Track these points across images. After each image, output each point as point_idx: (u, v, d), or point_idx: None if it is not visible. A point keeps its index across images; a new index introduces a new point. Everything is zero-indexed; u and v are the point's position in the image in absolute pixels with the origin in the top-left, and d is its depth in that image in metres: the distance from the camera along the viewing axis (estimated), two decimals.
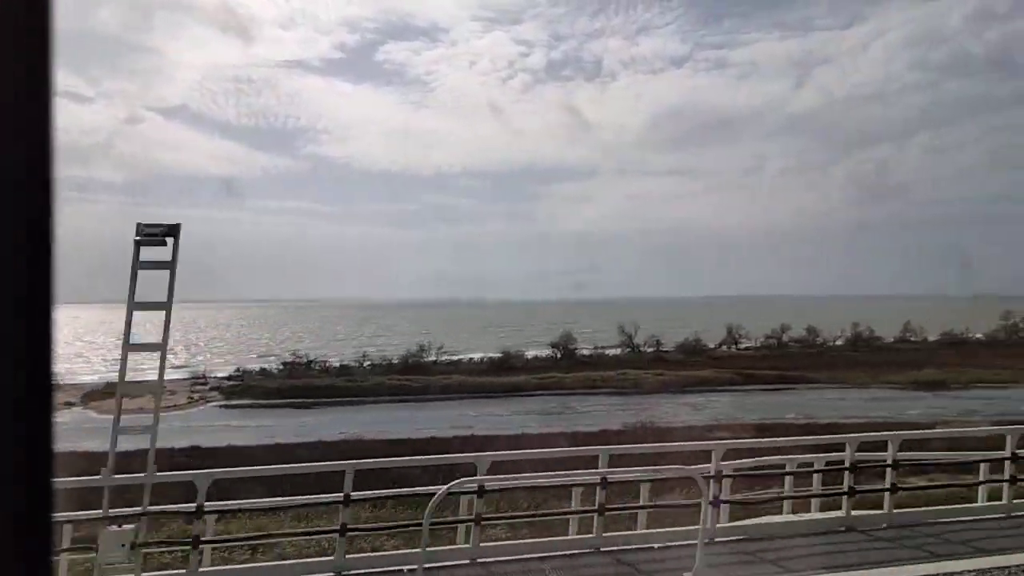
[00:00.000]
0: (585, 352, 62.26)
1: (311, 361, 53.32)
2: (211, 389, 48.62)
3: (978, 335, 73.41)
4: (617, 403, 41.75)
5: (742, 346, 68.81)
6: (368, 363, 54.11)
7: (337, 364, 53.30)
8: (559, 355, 60.96)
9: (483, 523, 7.61)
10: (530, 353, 61.22)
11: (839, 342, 68.98)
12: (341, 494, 7.22)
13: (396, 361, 53.72)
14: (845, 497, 8.61)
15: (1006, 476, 9.07)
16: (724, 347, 68.88)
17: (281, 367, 52.86)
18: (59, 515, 5.84)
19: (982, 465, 9.37)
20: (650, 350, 64.97)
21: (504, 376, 51.51)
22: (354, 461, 7.49)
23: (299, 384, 47.47)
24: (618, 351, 65.19)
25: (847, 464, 8.67)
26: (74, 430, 27.84)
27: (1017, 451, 9.08)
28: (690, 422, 32.83)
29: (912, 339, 72.81)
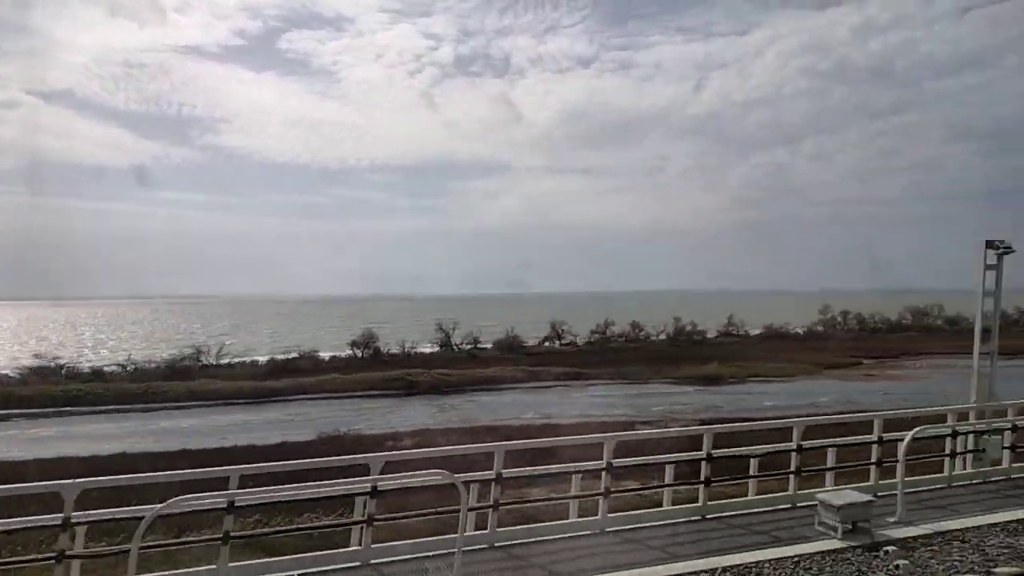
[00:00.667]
0: (395, 351, 59.19)
1: (61, 366, 47.45)
2: None
3: (797, 329, 76.02)
4: (348, 409, 38.69)
5: (565, 341, 67.96)
6: (132, 367, 48.82)
7: (88, 369, 47.73)
8: (360, 355, 57.65)
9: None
10: (328, 353, 57.57)
11: (662, 336, 69.36)
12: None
13: (161, 366, 48.65)
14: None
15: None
16: (547, 343, 67.80)
17: (25, 371, 46.73)
18: None
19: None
20: (468, 347, 62.87)
21: (285, 379, 47.62)
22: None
23: (28, 392, 41.86)
24: (435, 349, 62.74)
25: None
26: None
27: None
28: (399, 428, 30.31)
29: (735, 333, 74.45)
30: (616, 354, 60.82)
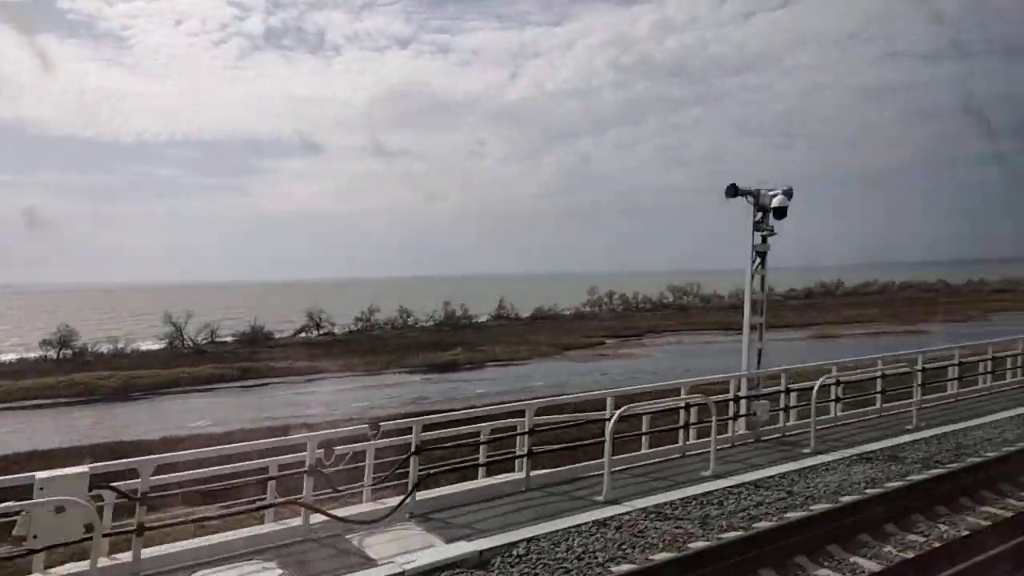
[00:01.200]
0: (104, 351, 50.83)
1: None
2: None
3: (565, 310, 78.16)
4: None
5: (324, 331, 63.47)
6: None
7: None
8: (57, 356, 48.76)
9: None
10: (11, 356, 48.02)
11: (428, 323, 67.37)
12: None
13: None
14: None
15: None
16: (303, 333, 62.86)
17: None
18: None
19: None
20: (204, 341, 56.03)
21: None
22: None
23: None
24: (161, 345, 55.11)
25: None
26: None
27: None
28: None
29: (507, 316, 74.73)
30: (378, 343, 57.66)
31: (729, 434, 11.35)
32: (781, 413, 12.11)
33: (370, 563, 6.49)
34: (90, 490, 6.05)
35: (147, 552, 6.49)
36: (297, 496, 7.31)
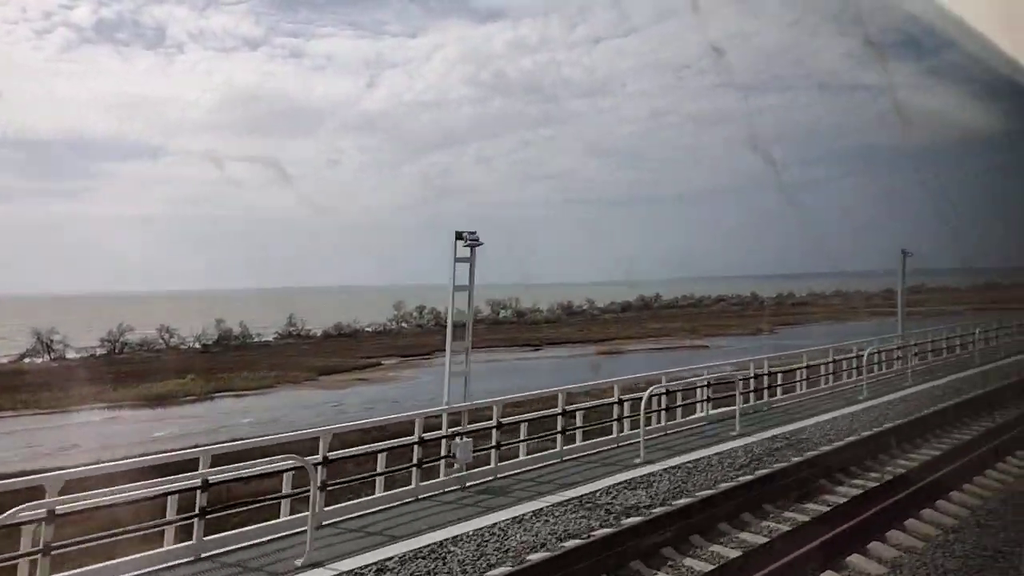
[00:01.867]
0: None
1: None
2: None
3: (369, 327, 73.20)
4: None
5: (55, 355, 54.10)
6: None
7: None
8: None
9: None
10: None
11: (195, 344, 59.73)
12: None
13: None
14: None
15: None
16: (28, 359, 53.15)
17: None
18: None
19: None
20: None
21: None
22: None
23: None
24: None
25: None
26: None
27: None
28: None
29: (297, 334, 68.51)
30: (118, 367, 49.54)
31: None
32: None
33: None
34: None
35: None
36: None
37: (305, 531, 7.49)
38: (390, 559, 7.22)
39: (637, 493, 9.49)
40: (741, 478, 10.23)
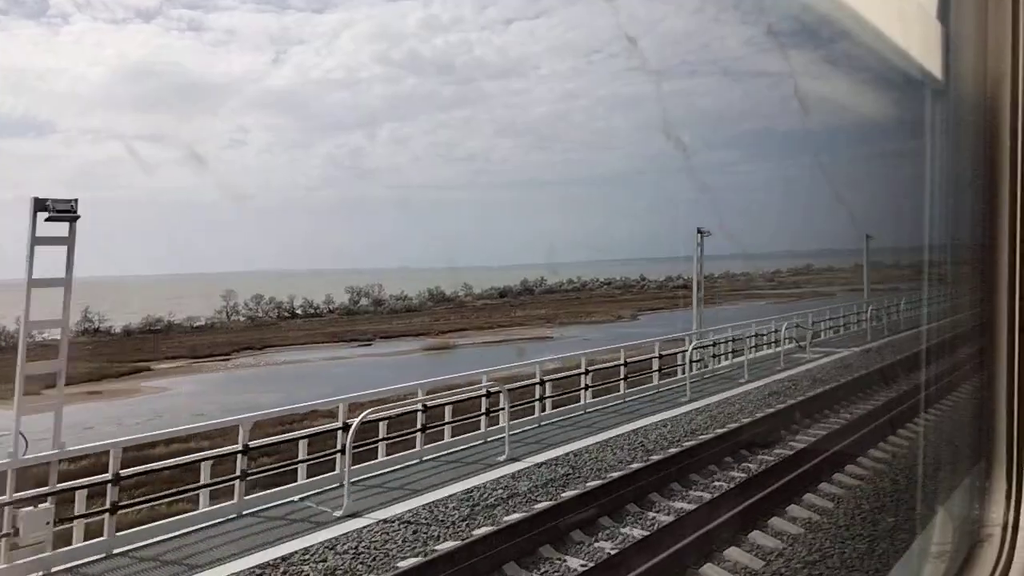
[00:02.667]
0: None
1: None
2: None
3: (190, 321, 63.95)
4: None
5: None
6: None
7: None
8: None
9: None
10: None
11: None
12: None
13: None
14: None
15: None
16: None
17: None
18: None
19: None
20: None
21: None
22: None
23: None
24: None
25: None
26: None
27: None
28: None
29: (94, 329, 58.69)
30: None
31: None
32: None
33: None
34: None
35: None
36: None
37: None
38: None
39: None
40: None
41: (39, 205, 8.36)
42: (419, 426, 11.60)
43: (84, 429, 27.86)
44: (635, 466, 10.59)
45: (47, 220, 8.40)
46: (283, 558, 7.64)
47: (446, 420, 12.30)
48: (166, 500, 9.69)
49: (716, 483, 10.19)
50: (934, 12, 1.83)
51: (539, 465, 10.83)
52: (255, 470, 9.88)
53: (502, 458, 11.23)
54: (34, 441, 8.17)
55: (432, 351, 47.63)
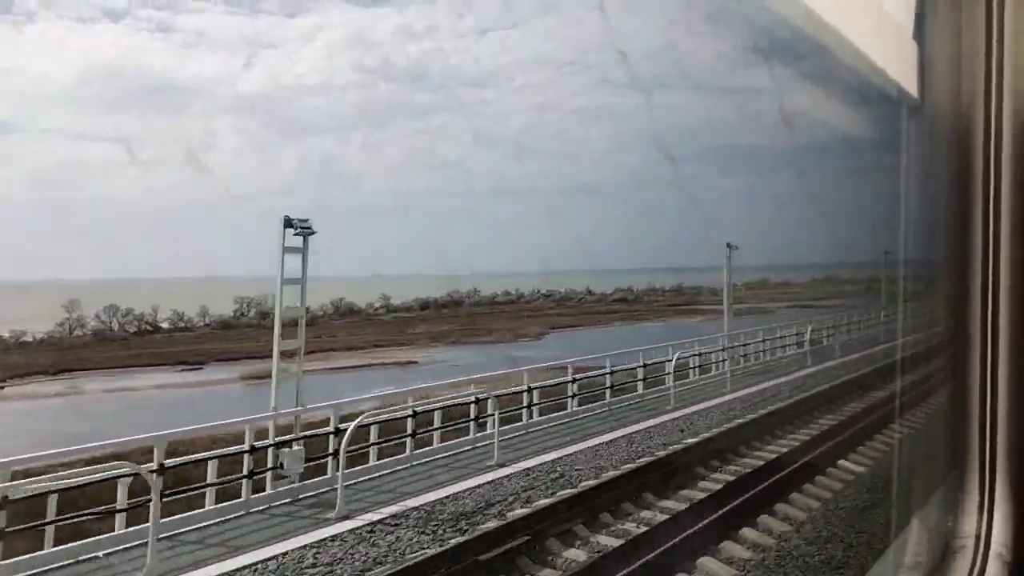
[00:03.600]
0: None
1: None
2: None
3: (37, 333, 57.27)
4: None
5: None
6: None
7: None
8: None
9: None
10: None
11: None
12: None
13: None
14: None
15: None
16: None
17: None
18: None
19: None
20: None
21: None
22: None
23: None
24: None
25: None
26: None
27: None
28: None
29: None
30: None
31: None
32: None
33: None
34: None
35: None
36: None
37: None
38: None
39: None
40: None
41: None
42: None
43: None
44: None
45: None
46: None
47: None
48: None
49: None
50: (910, 32, 1.88)
51: None
52: None
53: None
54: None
55: (252, 380, 42.46)
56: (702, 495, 10.59)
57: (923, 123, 1.88)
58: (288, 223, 11.22)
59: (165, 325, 65.24)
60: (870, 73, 1.88)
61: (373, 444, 12.42)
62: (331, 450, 11.42)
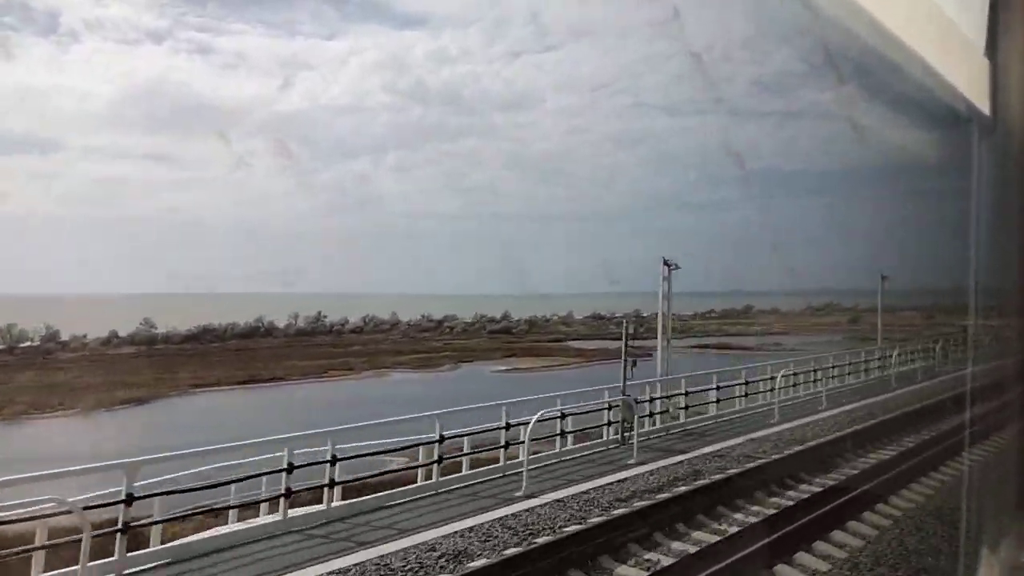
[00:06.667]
0: None
1: None
2: None
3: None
4: None
5: None
6: None
7: None
8: None
9: None
10: None
11: None
12: None
13: None
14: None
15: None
16: None
17: None
18: None
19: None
20: None
21: None
22: None
23: None
24: None
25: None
26: None
27: None
28: None
29: None
30: None
31: None
32: None
33: None
34: None
35: None
36: None
37: None
38: None
39: None
40: None
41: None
42: None
43: None
44: None
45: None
46: None
47: None
48: None
49: None
50: (981, 48, 1.82)
51: None
52: None
53: None
54: None
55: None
56: None
57: (996, 143, 1.82)
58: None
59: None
60: (938, 90, 1.81)
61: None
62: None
